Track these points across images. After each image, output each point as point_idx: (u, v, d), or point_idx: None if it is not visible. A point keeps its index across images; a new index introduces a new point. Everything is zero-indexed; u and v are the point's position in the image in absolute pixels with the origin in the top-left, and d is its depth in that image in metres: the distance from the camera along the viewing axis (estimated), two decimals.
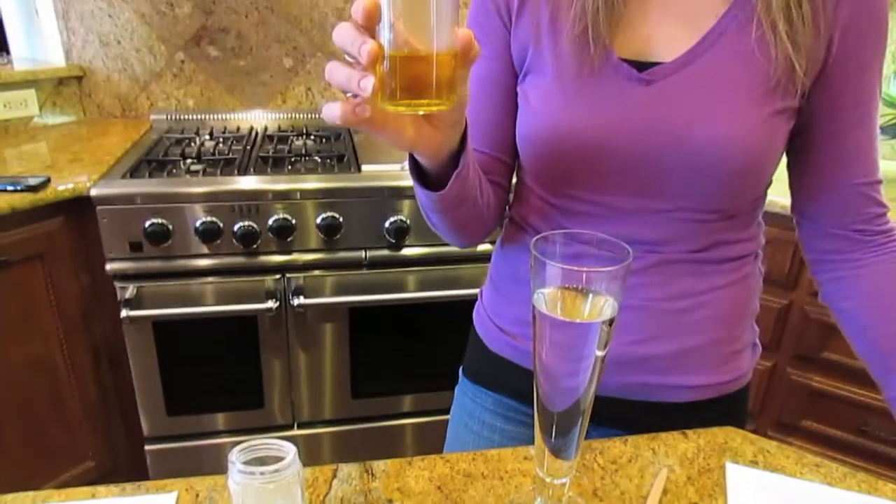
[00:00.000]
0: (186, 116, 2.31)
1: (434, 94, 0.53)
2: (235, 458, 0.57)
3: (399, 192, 1.76)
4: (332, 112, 0.53)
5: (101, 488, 0.68)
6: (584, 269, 0.56)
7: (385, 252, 1.82)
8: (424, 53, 0.52)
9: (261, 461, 0.57)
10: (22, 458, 1.72)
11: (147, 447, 1.89)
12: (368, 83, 0.51)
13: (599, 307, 0.57)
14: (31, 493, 0.68)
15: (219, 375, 1.88)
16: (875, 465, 1.83)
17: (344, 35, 0.51)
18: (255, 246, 1.72)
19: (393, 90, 0.53)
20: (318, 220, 1.74)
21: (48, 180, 1.61)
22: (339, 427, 2.01)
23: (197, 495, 0.68)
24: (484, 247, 1.77)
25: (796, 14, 0.69)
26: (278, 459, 0.57)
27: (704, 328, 0.81)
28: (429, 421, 2.06)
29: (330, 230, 1.74)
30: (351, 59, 0.53)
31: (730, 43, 0.72)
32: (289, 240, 1.74)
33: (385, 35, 0.52)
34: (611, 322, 0.57)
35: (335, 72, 0.53)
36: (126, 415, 1.91)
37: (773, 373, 1.95)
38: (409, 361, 1.99)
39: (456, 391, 0.99)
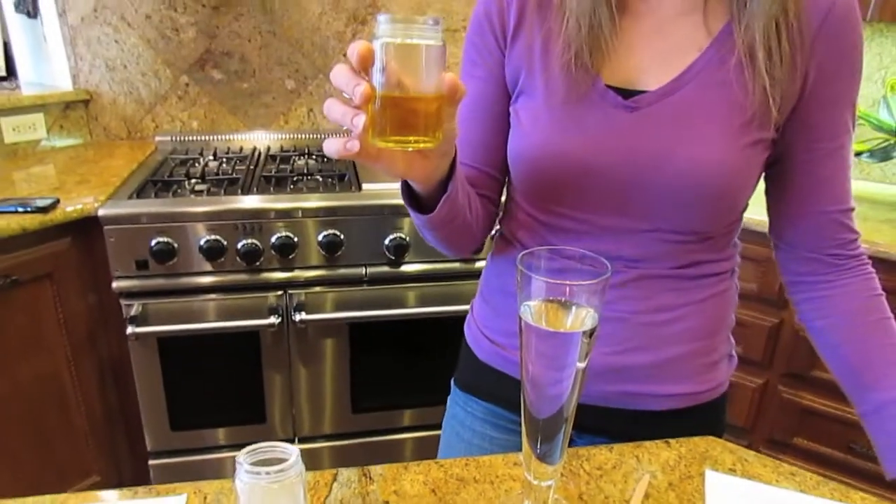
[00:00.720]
0: (191, 138, 2.36)
1: (421, 133, 0.59)
2: (243, 459, 0.61)
3: (399, 210, 1.81)
4: (329, 147, 0.60)
5: (115, 491, 0.72)
6: (567, 282, 0.60)
7: (385, 268, 1.87)
8: (413, 95, 0.58)
9: (266, 463, 0.62)
10: (30, 472, 1.75)
11: (151, 462, 1.92)
12: (360, 121, 0.57)
13: (581, 318, 0.61)
14: (48, 497, 0.72)
15: (222, 390, 1.92)
16: (863, 483, 1.85)
17: (340, 76, 0.58)
18: (257, 263, 1.77)
19: (383, 128, 0.58)
20: (320, 238, 1.78)
21: (57, 202, 1.65)
22: (340, 441, 2.05)
23: (205, 498, 0.72)
24: (481, 263, 1.81)
25: (776, 52, 0.74)
26: (282, 462, 0.61)
27: (682, 340, 0.86)
28: (428, 435, 2.09)
29: (331, 247, 1.79)
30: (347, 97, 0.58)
31: (710, 76, 0.76)
32: (291, 257, 1.79)
33: (377, 77, 0.57)
34: (592, 332, 0.61)
35: (332, 109, 0.59)
36: (130, 430, 1.94)
37: (765, 390, 1.98)
38: (409, 376, 2.03)
39: (448, 401, 1.04)
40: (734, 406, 2.04)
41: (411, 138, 0.59)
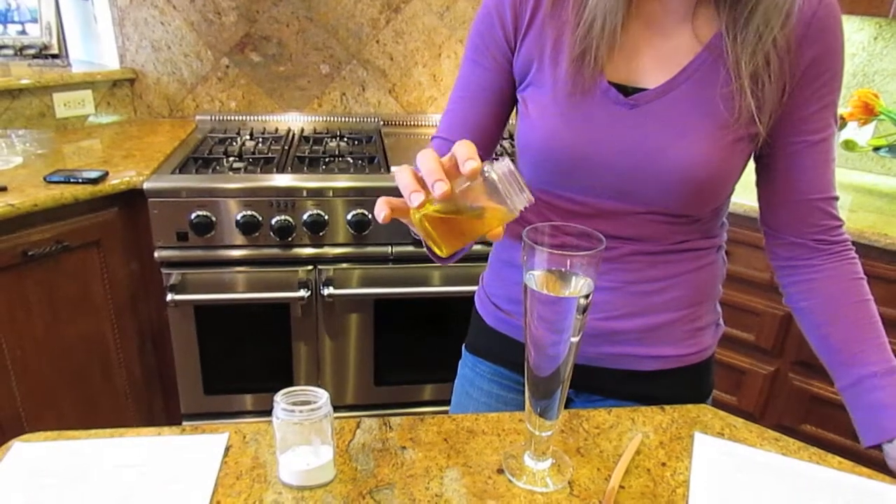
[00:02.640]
0: (229, 118, 2.47)
1: (443, 242, 0.65)
2: (280, 398, 0.70)
3: None
4: (376, 207, 0.67)
5: (166, 428, 0.82)
6: (567, 253, 0.68)
7: (410, 248, 1.95)
8: (466, 219, 0.64)
9: (300, 404, 0.71)
10: (74, 426, 1.87)
11: (184, 423, 2.04)
12: (417, 199, 0.61)
13: (578, 287, 0.69)
14: (107, 430, 0.82)
15: (252, 358, 2.03)
16: (871, 470, 1.90)
17: (426, 162, 0.62)
18: (289, 239, 1.87)
19: (430, 221, 0.64)
20: (349, 217, 1.87)
21: (106, 174, 1.76)
22: (362, 413, 2.14)
23: (244, 436, 0.81)
24: None
25: (763, 71, 0.80)
26: (313, 403, 0.71)
27: (670, 308, 0.94)
28: (447, 410, 2.17)
29: (359, 226, 1.88)
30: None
31: (701, 78, 0.83)
32: (321, 234, 1.88)
33: (460, 185, 0.63)
34: (586, 304, 0.69)
35: (401, 175, 0.64)
36: (166, 392, 2.07)
37: (776, 378, 2.04)
38: (430, 352, 2.12)
39: (459, 364, 1.13)
40: (745, 393, 2.10)
41: (439, 242, 0.65)
